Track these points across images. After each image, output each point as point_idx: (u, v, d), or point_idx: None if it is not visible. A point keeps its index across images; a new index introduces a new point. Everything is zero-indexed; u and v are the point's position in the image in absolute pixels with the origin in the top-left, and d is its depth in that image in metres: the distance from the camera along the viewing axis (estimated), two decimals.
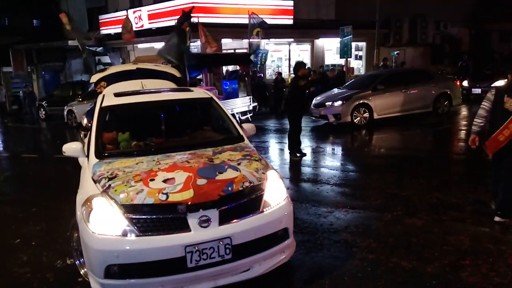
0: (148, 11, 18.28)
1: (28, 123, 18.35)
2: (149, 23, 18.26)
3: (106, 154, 3.89)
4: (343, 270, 3.85)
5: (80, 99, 15.88)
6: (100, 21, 21.36)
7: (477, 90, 16.01)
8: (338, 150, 9.72)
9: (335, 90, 13.09)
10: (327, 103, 12.10)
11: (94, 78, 6.64)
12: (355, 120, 11.69)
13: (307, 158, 8.44)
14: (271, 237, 3.37)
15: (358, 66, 21.14)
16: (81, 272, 3.70)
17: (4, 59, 23.25)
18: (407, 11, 20.80)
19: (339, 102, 11.82)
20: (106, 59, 22.28)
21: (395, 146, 9.89)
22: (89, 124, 8.02)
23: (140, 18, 18.59)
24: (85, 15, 23.76)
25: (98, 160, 3.77)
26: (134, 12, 18.72)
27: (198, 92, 5.13)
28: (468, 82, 16.28)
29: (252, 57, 14.89)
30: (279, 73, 17.56)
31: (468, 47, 24.09)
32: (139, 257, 3.03)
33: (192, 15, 11.06)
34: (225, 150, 3.93)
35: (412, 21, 21.10)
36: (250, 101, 13.41)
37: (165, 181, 3.27)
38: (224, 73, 16.65)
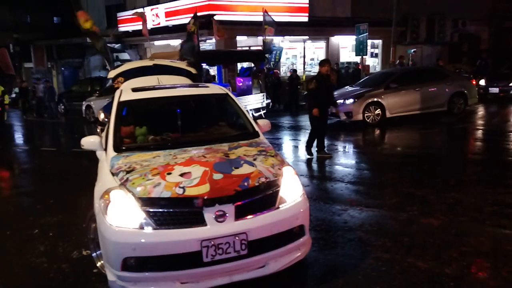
0: (165, 8, 18.40)
1: (46, 117, 18.65)
2: (166, 20, 18.39)
3: (123, 148, 3.92)
4: (357, 269, 3.81)
5: (98, 95, 16.08)
6: (118, 18, 21.59)
7: (495, 90, 15.72)
8: (351, 148, 9.64)
9: (348, 88, 13.00)
10: (339, 101, 11.99)
11: (112, 73, 6.72)
12: (367, 119, 11.59)
13: (321, 156, 8.39)
14: (287, 234, 3.35)
15: (373, 63, 20.95)
16: (98, 264, 3.74)
17: (25, 55, 23.71)
18: (424, 9, 20.53)
19: (351, 100, 11.72)
20: (124, 55, 22.53)
21: (409, 144, 9.76)
22: (106, 119, 8.16)
23: (157, 15, 18.74)
24: (104, 12, 24.07)
25: (116, 153, 3.81)
26: (151, 9, 18.90)
27: (214, 88, 5.15)
28: (485, 81, 15.97)
29: (266, 55, 14.87)
30: (294, 70, 17.52)
31: (487, 45, 23.64)
32: (156, 250, 3.05)
33: (198, 14, 11.03)
34: (240, 146, 3.94)
35: (430, 19, 20.78)
36: (263, 98, 13.41)
37: (181, 175, 3.28)
38: (239, 70, 16.69)
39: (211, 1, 16.16)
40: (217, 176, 3.28)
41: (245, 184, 3.26)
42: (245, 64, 16.90)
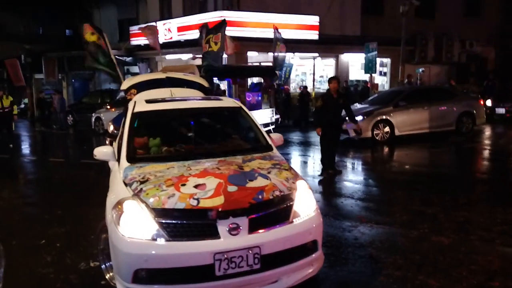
0: (177, 23, 18.65)
1: (56, 129, 18.81)
2: (178, 35, 18.62)
3: (137, 158, 3.91)
4: (369, 286, 3.77)
5: (108, 107, 16.22)
6: (130, 32, 21.89)
7: (501, 110, 15.65)
8: (361, 165, 9.61)
9: (357, 105, 13.02)
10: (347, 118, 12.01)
11: (125, 85, 6.80)
12: (376, 136, 11.55)
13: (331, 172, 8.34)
14: (300, 249, 3.30)
15: (382, 82, 21.00)
16: (107, 277, 3.69)
17: (36, 66, 24.04)
18: (433, 29, 20.65)
19: (360, 117, 11.66)
20: (135, 69, 22.79)
21: (418, 163, 9.71)
22: (115, 131, 8.21)
23: (169, 30, 18.98)
24: (116, 25, 24.47)
25: (129, 164, 3.79)
26: (163, 24, 19.14)
27: (228, 101, 5.17)
28: (491, 102, 15.92)
29: (276, 70, 14.99)
30: (305, 87, 17.63)
31: (494, 66, 23.66)
32: (168, 262, 3.00)
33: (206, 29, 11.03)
34: (254, 159, 3.91)
35: (438, 39, 20.89)
36: (272, 113, 13.44)
37: (196, 186, 3.26)
38: (249, 85, 16.82)
39: (223, 16, 16.36)
40: (232, 188, 3.25)
41: (260, 197, 3.22)
42: (255, 80, 17.05)
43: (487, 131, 13.40)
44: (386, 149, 11.03)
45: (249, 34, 16.80)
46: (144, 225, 3.08)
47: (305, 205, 3.46)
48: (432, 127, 11.94)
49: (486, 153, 10.54)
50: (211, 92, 8.01)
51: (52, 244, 4.94)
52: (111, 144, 8.79)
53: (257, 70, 15.74)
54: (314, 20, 18.14)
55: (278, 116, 13.95)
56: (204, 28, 10.50)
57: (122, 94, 6.95)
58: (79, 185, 8.10)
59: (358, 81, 20.06)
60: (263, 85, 15.14)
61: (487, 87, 18.05)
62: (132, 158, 3.89)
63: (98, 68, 8.87)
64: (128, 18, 23.64)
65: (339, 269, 4.08)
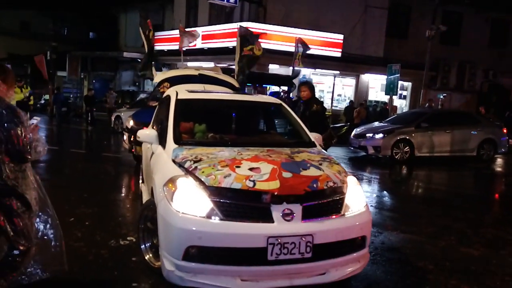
0: (202, 31, 18.91)
1: (77, 125, 19.05)
2: (202, 43, 18.86)
3: (183, 142, 3.88)
4: (399, 285, 3.74)
5: (128, 107, 16.42)
6: (155, 37, 22.21)
7: None
8: (381, 180, 9.56)
9: (376, 123, 13.03)
10: (367, 135, 12.01)
11: (158, 78, 6.93)
12: (395, 155, 11.50)
13: None
14: (350, 243, 3.26)
15: (401, 105, 21.00)
16: (146, 257, 3.62)
17: (59, 64, 24.56)
18: (456, 56, 20.71)
19: (380, 135, 11.70)
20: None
21: (440, 182, 9.67)
22: (135, 126, 8.22)
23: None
24: (141, 31, 24.89)
25: (177, 145, 3.76)
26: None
27: (268, 98, 5.23)
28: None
29: (294, 81, 15.10)
30: (322, 102, 17.66)
31: None
32: (222, 241, 2.96)
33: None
34: (301, 151, 3.84)
35: (461, 66, 20.92)
36: None
37: (251, 169, 3.21)
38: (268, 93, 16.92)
39: (248, 28, 16.58)
40: (286, 174, 3.20)
41: (314, 185, 3.18)
42: (276, 89, 17.16)
43: (509, 161, 13.31)
44: (405, 168, 10.98)
45: (272, 47, 16.98)
46: (198, 202, 3.04)
47: (356, 200, 3.43)
48: (452, 151, 11.87)
49: (509, 178, 10.44)
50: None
51: (81, 222, 4.97)
52: (129, 140, 8.87)
53: (276, 78, 15.87)
54: (338, 38, 18.31)
55: None
56: (248, 33, 10.59)
57: (156, 86, 7.00)
58: (101, 174, 8.22)
59: (377, 102, 20.11)
60: (281, 95, 15.23)
61: (508, 118, 17.97)
62: (179, 141, 3.86)
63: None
64: (154, 24, 24.00)
65: (369, 268, 4.03)
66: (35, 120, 2.88)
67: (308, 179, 3.22)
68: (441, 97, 19.32)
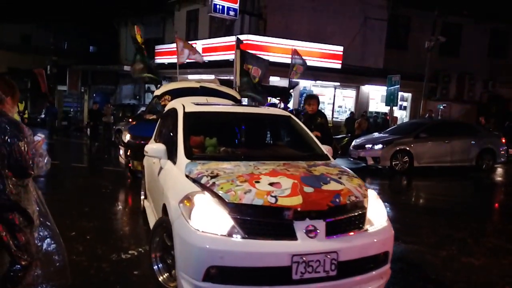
0: (202, 44, 19.10)
1: (76, 138, 19.08)
2: (202, 55, 19.00)
3: (195, 156, 3.70)
4: None
5: (130, 120, 16.47)
6: (155, 50, 22.45)
7: None
8: (381, 191, 9.53)
9: (376, 134, 13.06)
10: (367, 145, 12.03)
11: (159, 91, 6.99)
12: (394, 166, 11.51)
13: None
14: (373, 259, 3.14)
15: (401, 116, 21.07)
16: (160, 279, 3.40)
17: (59, 78, 24.70)
18: (456, 67, 20.83)
19: (379, 146, 11.72)
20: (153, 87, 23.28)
21: (440, 192, 9.66)
22: (132, 140, 8.06)
23: None
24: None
25: (189, 160, 3.59)
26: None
27: (276, 110, 5.19)
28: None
29: (291, 91, 15.21)
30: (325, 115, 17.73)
31: None
32: (245, 260, 2.83)
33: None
34: (318, 165, 3.69)
35: (460, 77, 21.03)
36: None
37: (271, 184, 3.09)
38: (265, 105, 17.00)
39: (247, 40, 16.74)
40: (308, 189, 3.08)
41: (337, 200, 3.07)
42: (274, 101, 17.23)
43: (508, 170, 13.31)
44: (405, 178, 10.99)
45: (272, 59, 17.09)
46: (218, 219, 2.91)
47: (378, 214, 3.34)
48: (452, 161, 11.89)
49: (509, 188, 10.44)
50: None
51: (82, 236, 4.99)
52: (125, 154, 8.49)
53: (273, 90, 15.95)
54: (337, 49, 18.45)
55: None
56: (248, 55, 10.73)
57: (156, 99, 7.05)
58: (102, 188, 8.21)
59: (377, 113, 20.18)
60: (278, 106, 15.30)
61: (507, 128, 18.02)
62: (191, 155, 3.69)
63: (148, 76, 9.23)
64: (154, 37, 24.28)
65: None
66: (39, 137, 2.89)
67: (330, 193, 3.11)
68: (441, 107, 19.38)
